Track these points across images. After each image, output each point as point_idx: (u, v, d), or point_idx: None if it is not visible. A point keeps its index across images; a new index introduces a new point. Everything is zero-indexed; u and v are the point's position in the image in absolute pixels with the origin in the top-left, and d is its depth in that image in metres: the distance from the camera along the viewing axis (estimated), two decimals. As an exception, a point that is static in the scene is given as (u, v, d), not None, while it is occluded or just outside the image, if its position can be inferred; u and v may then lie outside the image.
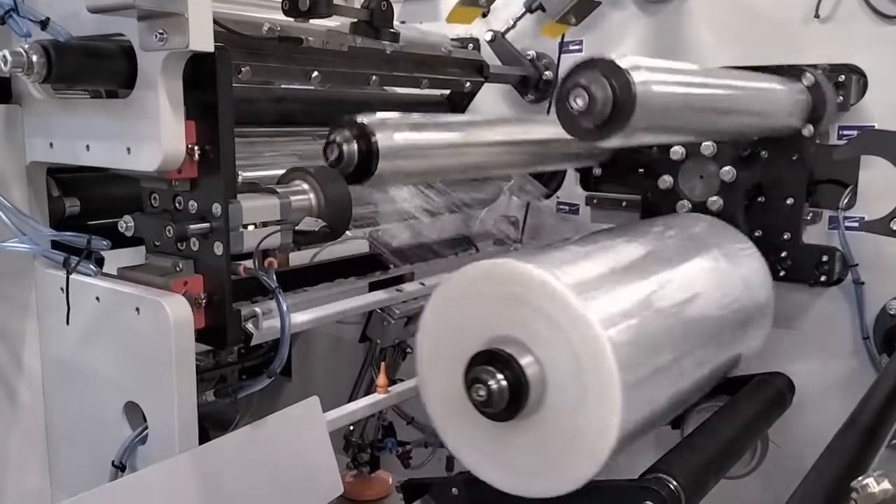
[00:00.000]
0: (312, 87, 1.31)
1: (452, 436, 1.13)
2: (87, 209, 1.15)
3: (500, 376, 0.99)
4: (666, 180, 1.65)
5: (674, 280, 1.22)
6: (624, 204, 1.79)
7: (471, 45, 1.90)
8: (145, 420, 1.00)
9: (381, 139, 1.17)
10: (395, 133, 1.20)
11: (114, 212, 1.03)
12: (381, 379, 1.40)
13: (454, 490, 1.32)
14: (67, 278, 0.99)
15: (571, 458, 1.03)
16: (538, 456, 1.05)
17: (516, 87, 1.99)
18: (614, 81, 1.02)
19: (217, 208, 0.96)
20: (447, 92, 1.85)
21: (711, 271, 1.34)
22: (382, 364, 1.43)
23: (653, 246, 1.31)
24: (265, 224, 1.00)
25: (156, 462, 0.95)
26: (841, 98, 1.50)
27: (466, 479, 1.33)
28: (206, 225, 0.97)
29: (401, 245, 1.63)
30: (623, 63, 1.03)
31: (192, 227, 0.96)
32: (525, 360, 1.00)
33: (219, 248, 0.97)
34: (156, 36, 0.88)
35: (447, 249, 1.75)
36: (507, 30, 1.92)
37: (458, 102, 1.88)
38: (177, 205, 1.00)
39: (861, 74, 1.50)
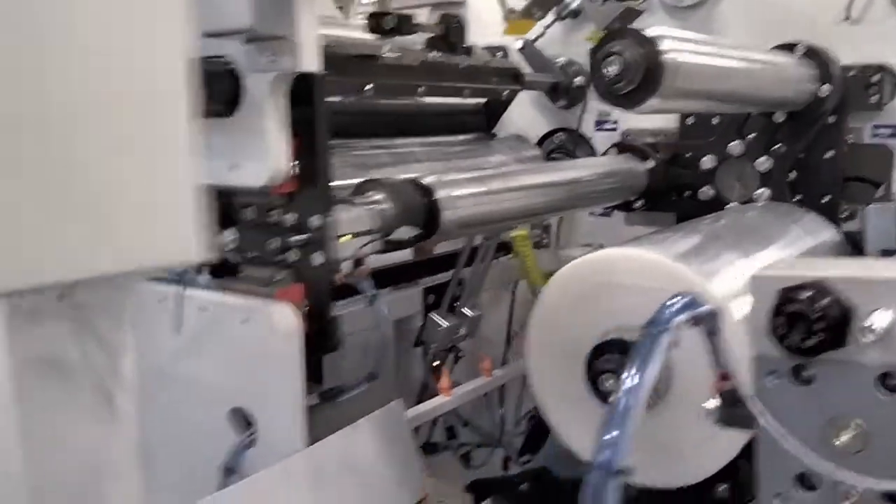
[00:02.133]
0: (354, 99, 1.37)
1: (570, 428, 1.21)
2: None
3: None
4: (706, 192, 1.74)
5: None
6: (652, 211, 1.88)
7: (499, 53, 1.98)
8: (250, 425, 1.08)
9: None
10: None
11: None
12: (445, 381, 1.48)
13: (522, 487, 1.40)
14: (183, 290, 1.06)
15: (705, 443, 1.09)
16: (662, 445, 1.11)
17: (547, 94, 2.07)
18: (645, 46, 1.11)
19: (316, 221, 1.04)
20: (483, 101, 1.94)
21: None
22: (444, 368, 1.51)
23: (743, 228, 1.42)
24: (356, 234, 1.08)
25: (262, 466, 1.02)
26: (875, 97, 1.61)
27: (534, 476, 1.41)
28: (306, 237, 1.04)
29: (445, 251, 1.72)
30: (652, 32, 1.14)
31: (294, 239, 1.03)
32: None
33: (318, 258, 1.05)
34: (265, 58, 0.95)
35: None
36: (538, 37, 2.02)
37: (495, 111, 1.97)
38: (270, 219, 1.08)
39: (893, 74, 1.60)
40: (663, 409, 1.10)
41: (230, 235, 1.06)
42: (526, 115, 2.11)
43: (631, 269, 1.14)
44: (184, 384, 1.13)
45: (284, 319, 1.02)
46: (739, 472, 1.18)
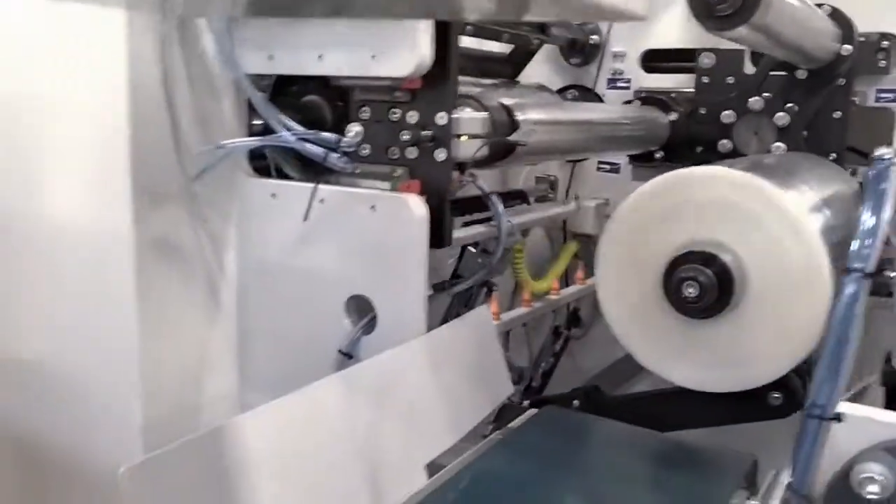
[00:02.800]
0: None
1: (637, 339, 1.29)
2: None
3: (708, 272, 1.16)
4: (725, 145, 1.87)
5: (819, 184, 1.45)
6: (665, 164, 2.00)
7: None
8: (366, 313, 1.12)
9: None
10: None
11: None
12: (494, 307, 1.56)
13: (575, 402, 1.49)
14: (318, 180, 1.09)
15: (775, 349, 1.20)
16: (736, 350, 1.22)
17: (562, 50, 2.17)
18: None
19: (442, 117, 1.09)
20: (509, 49, 2.02)
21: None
22: (494, 293, 1.58)
23: (779, 165, 1.55)
24: (471, 136, 1.15)
25: (378, 352, 1.07)
26: (883, 63, 1.78)
27: (585, 393, 1.51)
28: (431, 133, 1.10)
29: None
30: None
31: (423, 133, 1.09)
32: (727, 257, 1.18)
33: (441, 155, 1.11)
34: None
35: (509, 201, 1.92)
36: (557, -5, 2.11)
37: (520, 60, 2.05)
38: (391, 117, 1.13)
39: (897, 41, 1.78)
40: (738, 314, 1.21)
41: (355, 128, 1.10)
42: (540, 70, 2.20)
43: (710, 185, 1.24)
44: (297, 275, 1.17)
45: (413, 208, 1.07)
46: (790, 382, 1.31)
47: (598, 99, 2.09)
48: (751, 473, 1.09)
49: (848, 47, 1.70)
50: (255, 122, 1.23)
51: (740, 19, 1.20)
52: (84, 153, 1.10)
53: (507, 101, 1.34)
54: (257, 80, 1.20)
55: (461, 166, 1.17)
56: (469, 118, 1.14)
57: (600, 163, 2.20)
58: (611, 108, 1.88)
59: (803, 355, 1.20)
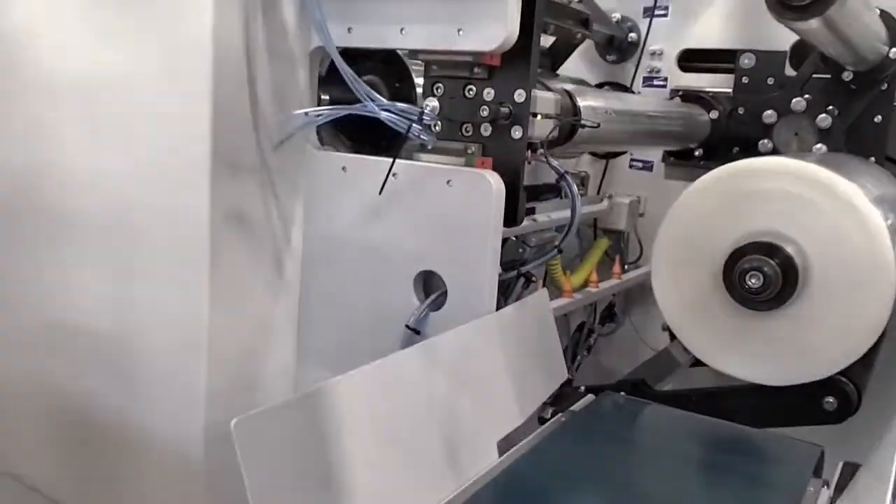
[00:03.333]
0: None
1: (692, 331, 1.30)
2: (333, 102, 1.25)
3: (772, 262, 1.16)
4: (766, 144, 1.90)
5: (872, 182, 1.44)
6: (701, 162, 2.02)
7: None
8: (436, 289, 1.13)
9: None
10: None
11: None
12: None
13: (622, 393, 1.50)
14: (397, 153, 1.09)
15: (835, 345, 1.20)
16: (795, 343, 1.22)
17: (599, 47, 2.19)
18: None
19: (520, 95, 1.10)
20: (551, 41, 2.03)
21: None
22: (540, 282, 1.59)
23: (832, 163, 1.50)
24: (545, 116, 1.15)
25: (445, 328, 1.08)
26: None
27: (633, 384, 1.52)
28: (507, 109, 1.11)
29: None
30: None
31: (503, 109, 1.09)
32: (791, 248, 1.18)
33: (517, 133, 1.12)
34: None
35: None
36: (595, -9, 2.13)
37: (561, 52, 2.06)
38: (466, 93, 1.14)
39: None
40: (798, 306, 1.22)
41: (432, 102, 1.11)
42: (577, 65, 2.22)
43: (773, 175, 1.24)
44: (365, 250, 1.17)
45: (493, 184, 1.08)
46: (845, 387, 1.29)
47: (694, 96, 2.10)
48: (819, 464, 1.10)
49: (895, 50, 1.73)
50: (324, 95, 1.24)
51: (817, 10, 1.22)
52: (166, 122, 1.10)
53: (569, 87, 1.35)
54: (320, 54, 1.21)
55: (531, 146, 1.17)
56: (544, 98, 1.15)
57: (633, 160, 2.21)
58: (655, 102, 1.90)
59: (862, 351, 1.19)
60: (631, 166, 2.21)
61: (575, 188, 1.17)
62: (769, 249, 1.19)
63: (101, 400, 1.22)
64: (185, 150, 1.08)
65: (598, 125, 1.22)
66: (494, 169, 1.13)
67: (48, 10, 1.23)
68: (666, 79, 2.13)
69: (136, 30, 1.12)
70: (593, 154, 2.15)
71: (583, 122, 1.20)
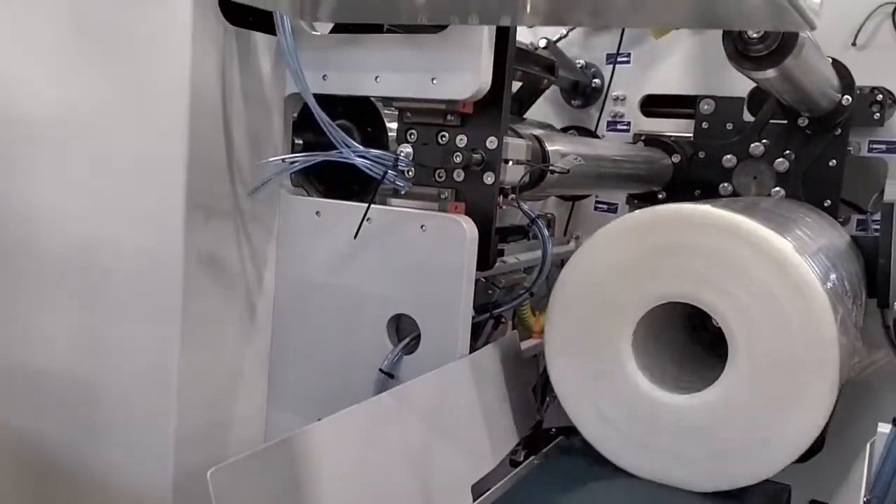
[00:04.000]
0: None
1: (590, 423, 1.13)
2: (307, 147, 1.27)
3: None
4: (726, 188, 1.96)
5: (815, 237, 1.34)
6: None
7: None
8: (409, 333, 1.14)
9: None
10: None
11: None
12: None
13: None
14: (371, 198, 1.11)
15: (766, 440, 1.03)
16: (717, 439, 1.06)
17: (564, 92, 2.25)
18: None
19: (492, 142, 1.14)
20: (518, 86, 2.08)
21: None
22: (507, 325, 1.61)
23: (771, 210, 1.44)
24: (518, 162, 1.19)
25: (419, 372, 1.09)
26: (877, 115, 1.89)
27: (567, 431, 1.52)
28: (480, 156, 1.14)
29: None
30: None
31: (475, 156, 1.12)
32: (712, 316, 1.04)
33: (489, 178, 1.15)
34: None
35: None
36: (560, 38, 2.20)
37: (527, 98, 2.11)
38: (440, 140, 1.17)
39: (892, 97, 1.90)
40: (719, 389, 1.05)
41: (406, 149, 1.13)
42: (543, 110, 2.28)
43: (688, 225, 1.08)
44: (339, 293, 1.18)
45: (466, 229, 1.10)
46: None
47: (656, 140, 2.15)
48: (787, 502, 1.12)
49: (848, 98, 1.81)
50: (297, 140, 1.26)
51: (774, 62, 1.28)
52: (140, 163, 1.11)
53: (538, 133, 1.39)
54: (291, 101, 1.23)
55: (503, 191, 1.20)
56: (515, 144, 1.18)
57: (597, 202, 2.27)
58: (619, 147, 1.95)
59: (805, 447, 1.01)
60: (596, 208, 2.26)
61: (546, 232, 1.20)
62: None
63: (68, 446, 1.20)
64: (160, 193, 1.09)
65: (569, 171, 1.25)
66: (467, 213, 1.16)
67: (23, 44, 1.23)
68: (629, 123, 2.20)
69: (114, 70, 1.13)
70: (559, 196, 2.20)
71: (552, 167, 1.23)
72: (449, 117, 1.15)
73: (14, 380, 1.28)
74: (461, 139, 1.16)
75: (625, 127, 2.21)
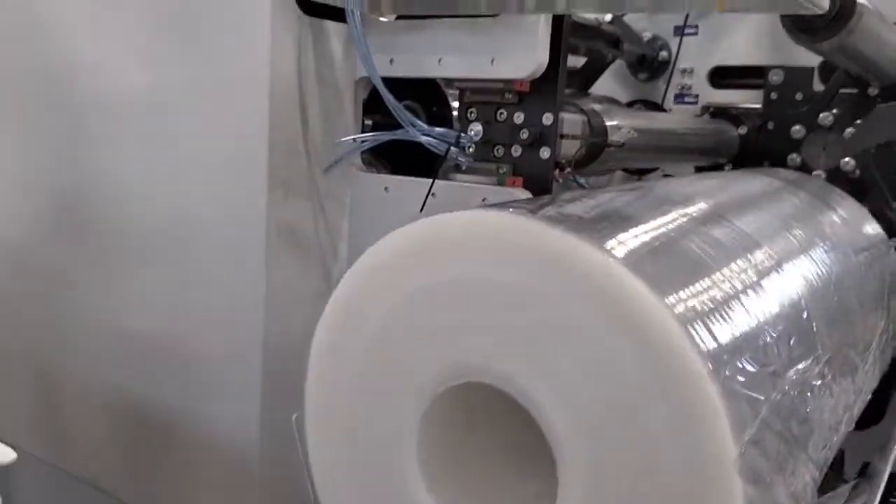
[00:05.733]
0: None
1: None
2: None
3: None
4: (794, 159, 1.98)
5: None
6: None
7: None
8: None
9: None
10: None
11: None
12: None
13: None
14: (435, 174, 1.22)
15: None
16: None
17: (630, 66, 2.30)
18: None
19: (548, 118, 1.22)
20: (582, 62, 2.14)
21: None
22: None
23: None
24: (572, 137, 1.27)
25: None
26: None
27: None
28: (536, 131, 1.22)
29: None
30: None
31: (531, 131, 1.21)
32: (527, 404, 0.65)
33: (545, 153, 1.23)
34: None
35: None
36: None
37: (592, 73, 2.17)
38: (498, 117, 1.26)
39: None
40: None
41: (476, 126, 1.23)
42: (608, 85, 2.32)
43: (514, 254, 0.67)
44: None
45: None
46: None
47: (723, 112, 2.20)
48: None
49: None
50: (367, 120, 1.37)
51: (828, 34, 1.32)
52: (222, 145, 1.24)
53: (596, 107, 1.46)
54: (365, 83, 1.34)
55: (559, 165, 1.28)
56: (571, 119, 1.26)
57: (664, 176, 2.31)
58: (683, 119, 2.00)
59: None
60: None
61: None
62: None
63: (162, 400, 1.36)
64: (243, 171, 1.22)
65: (623, 144, 1.32)
66: (525, 187, 1.25)
67: (114, 33, 1.38)
68: (697, 96, 2.23)
69: (199, 57, 1.26)
70: (625, 171, 2.25)
71: (609, 141, 1.30)
72: (507, 95, 1.24)
73: (116, 342, 1.45)
74: (518, 116, 1.24)
75: (692, 99, 2.25)
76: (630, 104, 2.28)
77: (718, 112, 2.09)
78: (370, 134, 1.28)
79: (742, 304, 0.69)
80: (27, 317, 1.68)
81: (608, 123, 1.45)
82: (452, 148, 1.18)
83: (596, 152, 1.41)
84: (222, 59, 1.23)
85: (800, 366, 0.71)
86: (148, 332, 1.38)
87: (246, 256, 1.22)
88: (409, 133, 1.18)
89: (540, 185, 1.25)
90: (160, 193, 1.35)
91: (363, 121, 1.36)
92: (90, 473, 1.54)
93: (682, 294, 0.63)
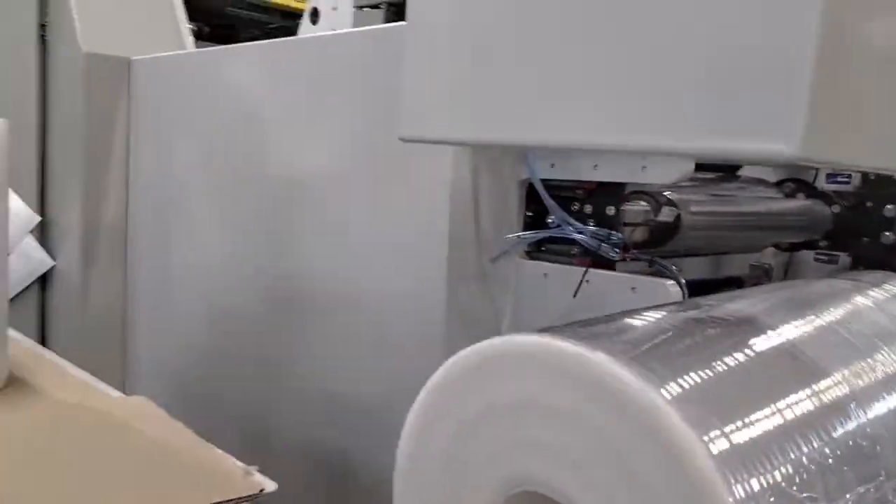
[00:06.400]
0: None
1: None
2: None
3: None
4: (888, 237, 1.99)
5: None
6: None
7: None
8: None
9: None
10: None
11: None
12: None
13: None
14: (587, 266, 1.41)
15: None
16: None
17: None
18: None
19: (611, 209, 1.40)
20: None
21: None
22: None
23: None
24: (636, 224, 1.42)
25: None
26: None
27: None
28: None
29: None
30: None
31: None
32: None
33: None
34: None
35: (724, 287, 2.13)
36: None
37: (741, 158, 2.27)
38: (571, 208, 1.45)
39: None
40: None
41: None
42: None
43: (547, 371, 0.77)
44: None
45: (668, 292, 1.35)
46: None
47: (815, 191, 2.26)
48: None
49: None
50: (528, 212, 1.59)
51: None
52: (410, 242, 1.51)
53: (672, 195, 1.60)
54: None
55: (626, 248, 1.43)
56: (632, 210, 1.42)
57: (818, 252, 2.35)
58: (767, 199, 2.06)
59: None
60: (816, 259, 2.34)
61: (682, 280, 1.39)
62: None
63: (357, 456, 1.62)
64: (427, 259, 1.47)
65: (673, 222, 1.42)
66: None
67: (309, 138, 1.68)
68: (850, 176, 2.28)
69: (387, 164, 1.54)
70: (775, 246, 2.32)
71: (657, 220, 1.42)
72: (577, 192, 1.44)
73: (316, 401, 1.73)
74: (587, 208, 1.45)
75: (845, 179, 2.29)
76: (780, 182, 2.36)
77: (804, 188, 2.13)
78: (530, 233, 1.48)
79: (789, 440, 0.73)
80: (236, 372, 2.00)
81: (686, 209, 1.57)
82: (603, 244, 1.36)
83: (665, 235, 1.54)
84: (409, 175, 1.49)
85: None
86: (345, 393, 1.64)
87: (428, 331, 1.46)
88: (564, 230, 1.39)
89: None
90: (358, 275, 1.63)
91: (526, 214, 1.58)
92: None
93: (723, 431, 0.69)
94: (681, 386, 0.71)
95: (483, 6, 1.08)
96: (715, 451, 0.66)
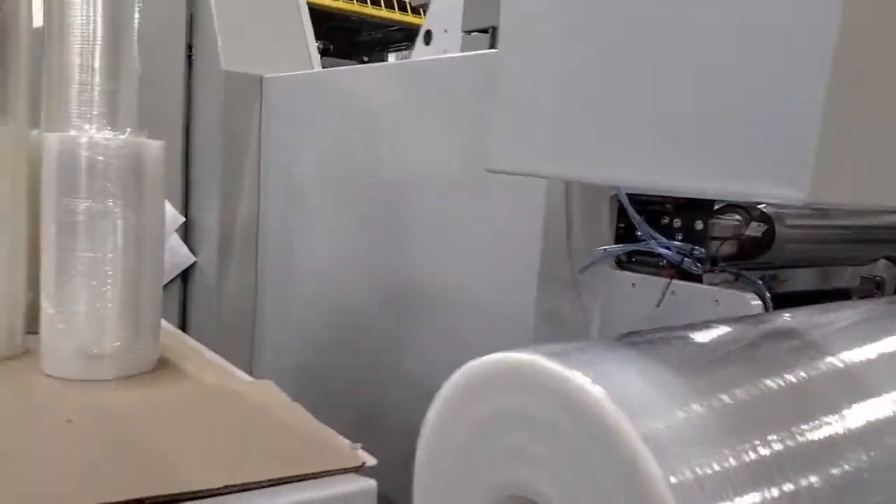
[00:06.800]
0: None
1: None
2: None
3: None
4: None
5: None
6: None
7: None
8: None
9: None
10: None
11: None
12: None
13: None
14: (671, 278, 1.51)
15: None
16: None
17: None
18: None
19: (699, 224, 1.46)
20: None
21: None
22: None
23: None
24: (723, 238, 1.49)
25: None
26: None
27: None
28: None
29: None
30: None
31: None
32: None
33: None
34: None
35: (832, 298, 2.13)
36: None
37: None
38: (661, 221, 1.51)
39: None
40: None
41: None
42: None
43: (533, 384, 0.81)
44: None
45: (750, 305, 1.43)
46: None
47: None
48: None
49: None
50: (619, 225, 1.69)
51: None
52: (507, 248, 1.64)
53: (767, 209, 1.64)
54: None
55: (714, 261, 1.50)
56: (719, 224, 1.50)
57: (929, 265, 2.31)
58: (888, 213, 2.03)
59: None
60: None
61: (767, 293, 1.45)
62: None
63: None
64: (520, 265, 1.59)
65: (761, 235, 1.50)
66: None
67: (421, 149, 1.85)
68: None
69: (489, 183, 1.67)
70: (887, 258, 2.30)
71: (745, 234, 1.50)
72: (667, 205, 1.50)
73: (417, 388, 1.89)
74: (676, 222, 1.51)
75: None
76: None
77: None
78: (617, 247, 1.58)
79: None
80: (349, 361, 2.19)
81: (779, 224, 1.61)
82: (686, 259, 1.45)
83: (756, 249, 1.59)
84: (506, 193, 1.64)
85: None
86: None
87: (518, 333, 1.59)
88: (649, 245, 1.48)
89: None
90: (458, 277, 1.78)
91: (617, 225, 1.68)
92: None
93: (681, 460, 0.71)
94: (645, 400, 0.77)
95: (579, 37, 1.13)
96: (674, 481, 0.69)
